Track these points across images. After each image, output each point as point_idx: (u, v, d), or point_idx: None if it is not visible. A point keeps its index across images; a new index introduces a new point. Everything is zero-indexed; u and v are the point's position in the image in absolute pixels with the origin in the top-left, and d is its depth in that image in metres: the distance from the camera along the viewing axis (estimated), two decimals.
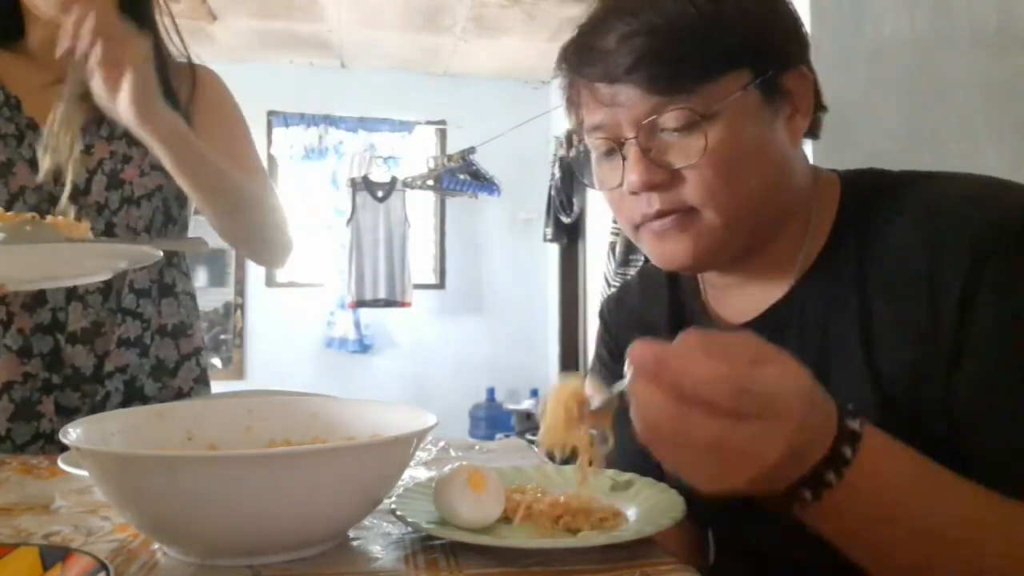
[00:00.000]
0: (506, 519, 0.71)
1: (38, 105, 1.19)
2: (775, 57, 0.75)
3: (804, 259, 0.78)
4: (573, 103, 0.82)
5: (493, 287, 5.37)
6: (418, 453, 0.93)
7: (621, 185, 0.77)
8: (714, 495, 0.55)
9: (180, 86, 1.26)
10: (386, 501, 0.70)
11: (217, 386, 1.36)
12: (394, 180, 5.07)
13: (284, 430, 0.80)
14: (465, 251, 5.39)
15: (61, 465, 0.86)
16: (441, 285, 5.39)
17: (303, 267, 5.11)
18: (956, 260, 0.68)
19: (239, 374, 5.00)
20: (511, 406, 4.96)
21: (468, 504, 0.67)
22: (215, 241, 1.26)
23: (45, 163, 1.06)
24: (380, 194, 5.04)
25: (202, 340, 1.34)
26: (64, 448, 0.76)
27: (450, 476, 0.69)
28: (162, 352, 1.26)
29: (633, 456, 0.92)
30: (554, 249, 5.15)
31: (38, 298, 1.17)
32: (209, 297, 4.92)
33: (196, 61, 1.30)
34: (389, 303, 5.00)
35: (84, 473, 0.77)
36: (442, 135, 5.37)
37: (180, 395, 1.26)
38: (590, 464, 0.66)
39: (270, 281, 5.12)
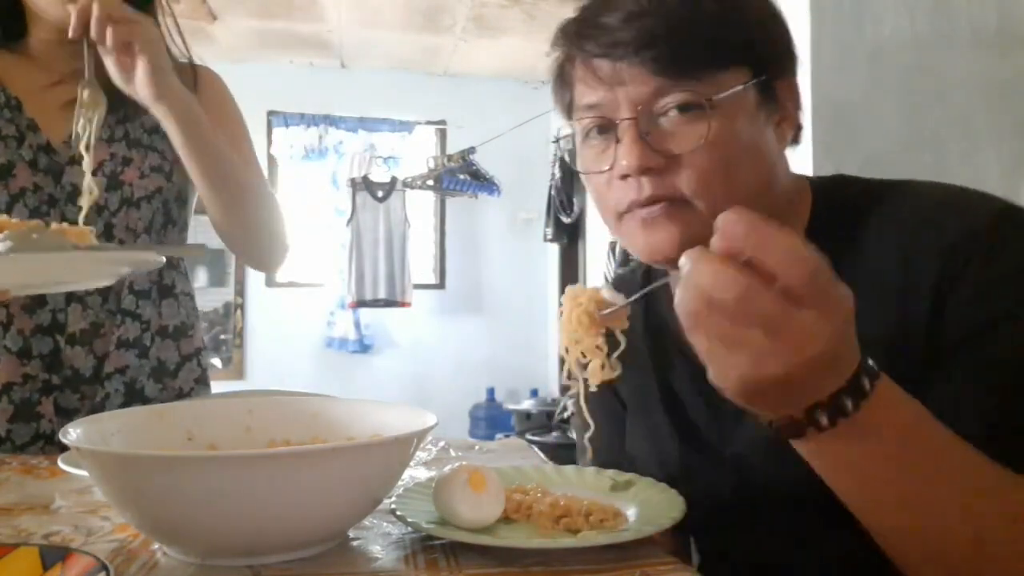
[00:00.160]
0: (506, 519, 0.71)
1: (39, 106, 1.19)
2: (772, 62, 0.76)
3: None
4: (566, 81, 0.80)
5: (493, 287, 5.37)
6: (418, 453, 0.93)
7: (611, 169, 0.75)
8: (739, 392, 0.55)
9: None
10: (386, 501, 0.70)
11: (217, 386, 1.36)
12: (394, 180, 5.07)
13: (284, 430, 0.80)
14: (465, 251, 5.39)
15: (61, 465, 0.86)
16: (441, 285, 5.39)
17: (303, 267, 5.11)
18: (928, 268, 0.68)
19: (239, 374, 5.00)
20: (511, 406, 4.96)
21: (468, 504, 0.67)
22: (215, 242, 1.26)
23: (79, 148, 1.08)
24: (380, 194, 5.04)
25: (202, 341, 1.34)
26: (64, 448, 0.76)
27: (450, 476, 0.69)
28: (162, 353, 1.26)
29: (610, 441, 0.92)
30: (554, 249, 5.15)
31: (38, 299, 1.16)
32: (209, 297, 4.92)
33: (197, 61, 1.30)
34: (389, 303, 5.00)
35: (84, 473, 0.77)
36: (442, 135, 5.37)
37: (181, 396, 1.26)
38: (602, 367, 0.70)
39: (270, 281, 5.11)
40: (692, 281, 0.53)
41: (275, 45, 4.76)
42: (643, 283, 0.92)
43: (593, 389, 0.72)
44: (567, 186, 4.69)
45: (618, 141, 0.74)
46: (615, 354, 0.71)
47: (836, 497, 0.62)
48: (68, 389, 1.18)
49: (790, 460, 0.68)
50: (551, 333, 5.29)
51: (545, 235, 4.95)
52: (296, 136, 5.08)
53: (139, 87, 1.03)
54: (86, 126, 1.06)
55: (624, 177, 0.74)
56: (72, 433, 0.66)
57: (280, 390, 1.27)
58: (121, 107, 1.19)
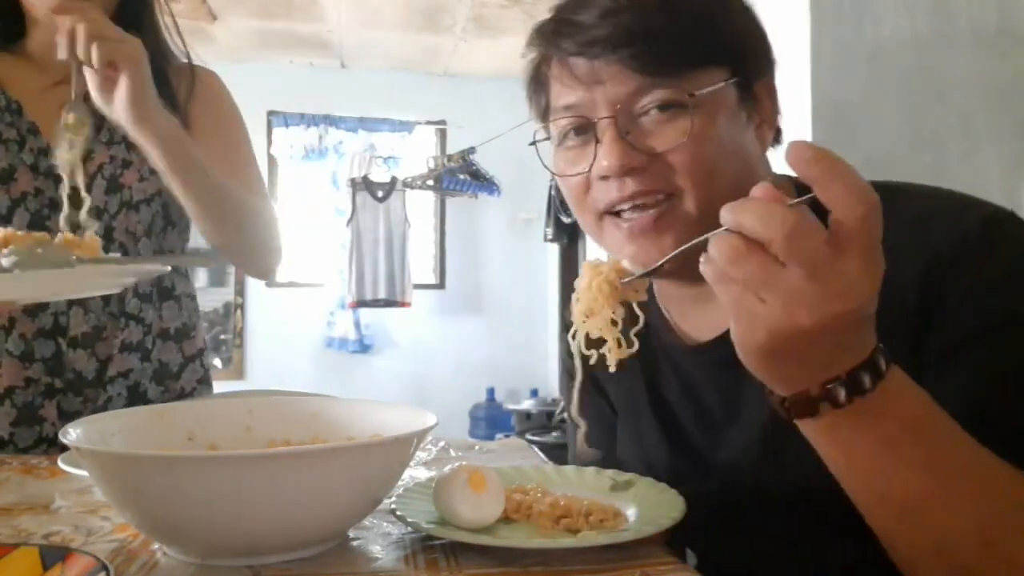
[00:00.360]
0: (506, 519, 0.71)
1: (39, 109, 1.19)
2: (751, 62, 0.76)
3: None
4: (542, 83, 0.78)
5: (493, 287, 5.37)
6: (418, 453, 0.93)
7: (590, 170, 0.74)
8: (763, 351, 0.54)
9: (179, 86, 1.26)
10: (386, 501, 0.70)
11: (217, 386, 1.36)
12: (394, 180, 5.07)
13: (284, 430, 0.80)
14: (465, 251, 5.39)
15: (61, 465, 0.86)
16: (441, 285, 5.39)
17: (303, 267, 5.10)
18: (915, 278, 0.67)
19: (239, 374, 5.00)
20: (511, 406, 4.96)
21: (468, 504, 0.67)
22: None
23: (64, 165, 1.05)
24: (380, 194, 5.04)
25: (204, 341, 1.34)
26: (65, 449, 0.76)
27: (450, 476, 0.69)
28: (164, 355, 1.26)
29: (600, 434, 0.91)
30: (554, 249, 5.15)
31: (40, 303, 1.16)
32: (209, 297, 4.92)
33: (196, 61, 1.30)
34: (389, 303, 5.01)
35: (84, 473, 0.77)
36: (442, 135, 5.37)
37: (183, 397, 1.26)
38: (619, 345, 0.70)
39: (270, 281, 5.11)
40: (736, 221, 0.53)
41: (275, 45, 4.76)
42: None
43: (612, 369, 0.71)
44: None
45: (597, 141, 0.73)
46: (634, 330, 0.70)
47: (826, 503, 0.62)
48: (71, 392, 1.18)
49: (780, 466, 0.68)
50: (551, 333, 5.29)
51: (545, 235, 4.95)
52: (296, 136, 5.08)
53: (119, 111, 1.00)
54: (70, 149, 1.03)
55: (605, 178, 0.73)
56: (72, 433, 0.66)
57: (280, 390, 1.27)
58: None
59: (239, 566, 0.62)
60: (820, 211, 0.52)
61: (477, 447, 1.12)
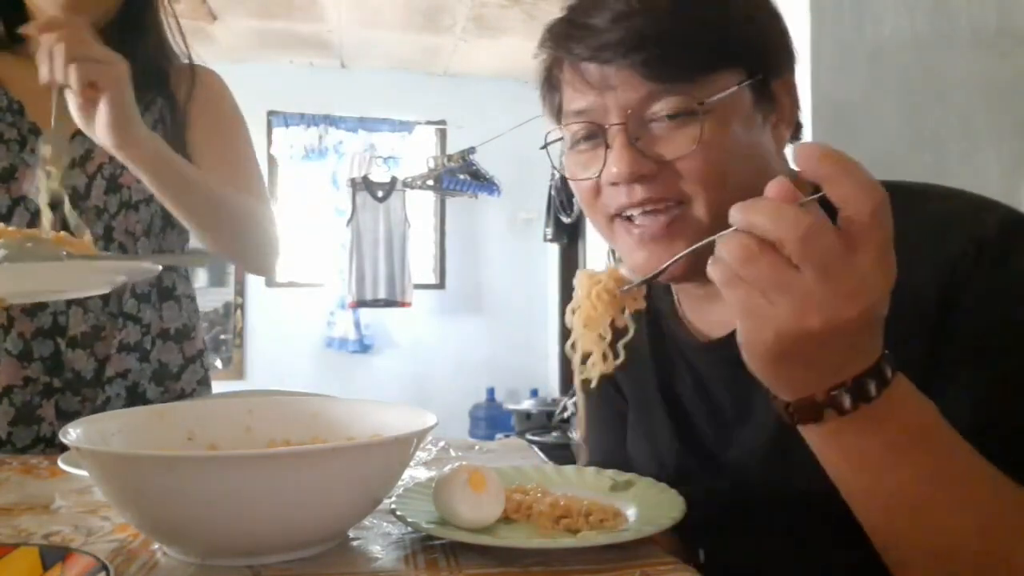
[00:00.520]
0: (506, 519, 0.71)
1: (41, 110, 1.18)
2: (768, 61, 0.74)
3: None
4: (554, 85, 0.78)
5: (493, 287, 5.37)
6: (418, 453, 0.93)
7: (600, 175, 0.73)
8: (771, 354, 0.54)
9: (179, 86, 1.26)
10: (386, 501, 0.70)
11: (217, 386, 1.36)
12: (394, 180, 5.07)
13: (284, 430, 0.80)
14: (465, 251, 5.39)
15: (61, 465, 0.86)
16: (441, 285, 5.39)
17: (303, 267, 5.11)
18: (932, 279, 0.67)
19: (239, 374, 5.00)
20: (511, 406, 4.96)
21: (468, 504, 0.67)
22: None
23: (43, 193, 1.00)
24: (380, 194, 5.04)
25: (204, 342, 1.33)
26: (64, 449, 0.76)
27: (450, 476, 0.69)
28: (164, 356, 1.25)
29: (609, 444, 0.91)
30: (554, 249, 5.15)
31: (38, 303, 1.16)
32: (209, 297, 4.92)
33: (197, 61, 1.30)
34: (389, 303, 5.00)
35: (84, 473, 0.77)
36: (442, 135, 5.37)
37: (182, 398, 1.26)
38: (604, 359, 0.71)
39: (270, 281, 5.11)
40: (747, 221, 0.52)
41: (275, 45, 4.76)
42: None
43: (593, 385, 0.71)
44: (567, 186, 4.61)
45: (607, 147, 0.72)
46: (621, 341, 0.70)
47: (835, 504, 0.61)
48: (69, 392, 1.18)
49: (790, 466, 0.68)
50: (551, 333, 5.29)
51: (545, 235, 4.95)
52: (296, 136, 5.08)
53: (100, 135, 0.97)
54: (45, 181, 0.98)
55: (614, 184, 0.73)
56: (72, 433, 0.66)
57: (280, 390, 1.27)
58: None
59: (239, 566, 0.62)
60: (828, 210, 0.52)
61: (477, 447, 1.12)
